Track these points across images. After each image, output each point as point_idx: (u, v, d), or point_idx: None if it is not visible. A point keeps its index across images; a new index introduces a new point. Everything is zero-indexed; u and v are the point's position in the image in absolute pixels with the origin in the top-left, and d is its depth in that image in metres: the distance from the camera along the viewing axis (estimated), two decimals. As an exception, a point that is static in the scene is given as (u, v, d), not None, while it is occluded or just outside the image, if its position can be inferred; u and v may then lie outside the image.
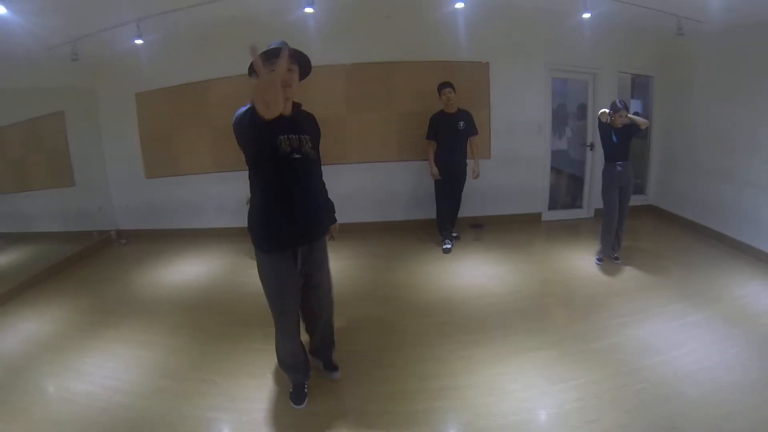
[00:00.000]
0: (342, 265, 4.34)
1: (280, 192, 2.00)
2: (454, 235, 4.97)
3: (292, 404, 2.42)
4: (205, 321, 3.47)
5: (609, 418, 2.19)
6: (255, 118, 1.45)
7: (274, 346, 2.37)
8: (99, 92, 5.56)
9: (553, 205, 5.86)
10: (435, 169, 4.54)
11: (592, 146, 5.64)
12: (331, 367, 2.63)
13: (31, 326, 3.57)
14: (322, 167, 2.30)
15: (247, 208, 2.15)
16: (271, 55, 1.81)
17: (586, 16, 4.39)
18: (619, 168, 4.00)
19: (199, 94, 5.28)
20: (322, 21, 4.53)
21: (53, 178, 5.46)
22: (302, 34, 4.68)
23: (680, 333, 2.95)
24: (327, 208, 2.40)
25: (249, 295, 3.81)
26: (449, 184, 4.65)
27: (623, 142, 3.96)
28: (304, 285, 2.23)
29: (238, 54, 4.78)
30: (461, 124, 4.45)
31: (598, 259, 4.24)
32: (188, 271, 4.58)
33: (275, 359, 2.46)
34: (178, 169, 5.53)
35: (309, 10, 3.88)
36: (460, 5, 4.33)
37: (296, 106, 2.08)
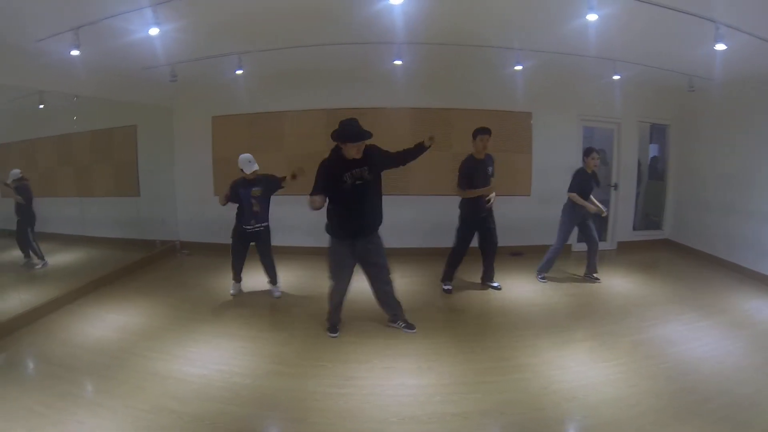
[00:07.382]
0: (404, 282, 4.49)
1: (345, 206, 3.11)
2: (495, 284, 4.60)
3: (328, 333, 3.40)
4: (294, 321, 3.74)
5: (645, 384, 2.78)
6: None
7: (367, 341, 3.36)
8: (175, 111, 6.04)
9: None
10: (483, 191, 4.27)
11: (616, 186, 6.21)
12: (408, 326, 3.50)
13: (116, 317, 3.80)
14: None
15: None
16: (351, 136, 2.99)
17: (616, 77, 5.07)
18: None
19: (274, 123, 5.77)
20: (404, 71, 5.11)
21: (119, 187, 5.77)
22: (388, 84, 5.49)
23: (694, 333, 3.55)
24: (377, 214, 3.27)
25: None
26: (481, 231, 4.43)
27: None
28: (366, 263, 3.29)
29: (315, 92, 5.45)
30: (490, 169, 4.31)
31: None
32: (260, 281, 4.53)
33: (376, 350, 3.21)
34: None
35: (398, 62, 4.52)
36: (518, 68, 4.88)
37: (367, 149, 3.06)
